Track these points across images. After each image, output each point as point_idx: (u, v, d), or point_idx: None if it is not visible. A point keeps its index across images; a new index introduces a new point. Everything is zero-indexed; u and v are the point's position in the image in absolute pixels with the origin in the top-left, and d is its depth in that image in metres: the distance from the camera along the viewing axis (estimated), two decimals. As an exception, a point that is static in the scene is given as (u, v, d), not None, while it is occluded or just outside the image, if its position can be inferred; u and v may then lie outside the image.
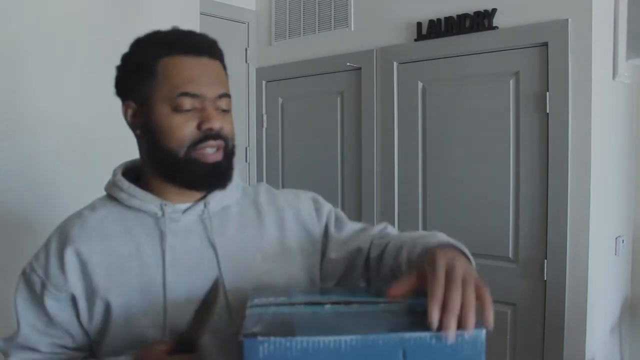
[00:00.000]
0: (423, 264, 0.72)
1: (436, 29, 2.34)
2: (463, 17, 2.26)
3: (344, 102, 2.70)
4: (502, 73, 2.19)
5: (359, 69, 2.61)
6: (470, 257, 0.79)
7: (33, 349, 0.90)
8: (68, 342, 0.91)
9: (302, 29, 2.82)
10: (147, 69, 0.88)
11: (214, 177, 0.90)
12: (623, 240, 2.28)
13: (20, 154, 1.83)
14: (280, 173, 2.91)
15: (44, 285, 0.88)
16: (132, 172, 0.97)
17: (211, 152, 0.88)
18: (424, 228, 2.42)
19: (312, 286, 0.98)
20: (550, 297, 2.08)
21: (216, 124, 0.87)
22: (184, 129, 0.86)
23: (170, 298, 0.87)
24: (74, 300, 0.88)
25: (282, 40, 2.90)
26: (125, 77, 0.93)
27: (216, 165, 0.89)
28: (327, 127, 2.75)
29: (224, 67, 0.94)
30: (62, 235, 0.91)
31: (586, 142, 1.99)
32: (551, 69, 2.05)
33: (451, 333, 0.62)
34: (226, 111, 0.91)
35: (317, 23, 2.76)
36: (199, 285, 0.87)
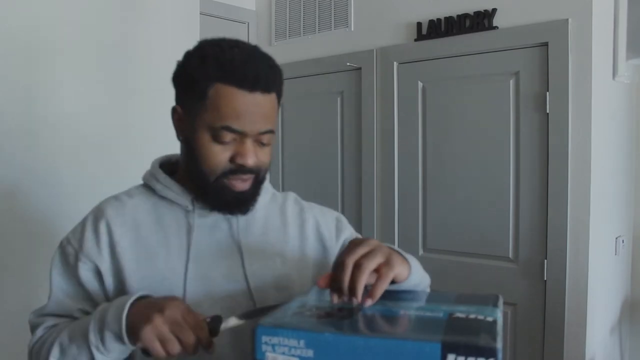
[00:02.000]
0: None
1: (436, 29, 2.34)
2: (463, 17, 2.26)
3: (344, 102, 2.69)
4: (502, 73, 2.19)
5: (359, 69, 2.61)
6: (405, 255, 0.83)
7: (64, 316, 0.94)
8: None
9: (302, 29, 2.82)
10: (199, 88, 0.87)
11: (236, 205, 0.93)
12: (623, 240, 2.28)
13: (28, 154, 1.84)
14: (281, 173, 2.92)
15: (77, 257, 0.93)
16: (169, 166, 1.01)
17: (239, 183, 0.91)
18: (424, 228, 2.42)
19: None
20: (550, 297, 2.08)
21: (250, 160, 0.88)
22: (219, 158, 0.88)
23: (190, 289, 0.91)
24: (100, 274, 0.93)
25: (282, 40, 2.90)
26: (180, 80, 0.92)
27: (242, 193, 0.92)
28: (327, 127, 2.75)
29: (279, 97, 0.93)
30: (99, 213, 0.96)
31: (586, 142, 1.99)
32: (551, 69, 2.05)
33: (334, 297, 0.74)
34: (266, 145, 0.92)
35: (317, 23, 2.76)
36: (219, 279, 0.93)
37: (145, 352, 0.79)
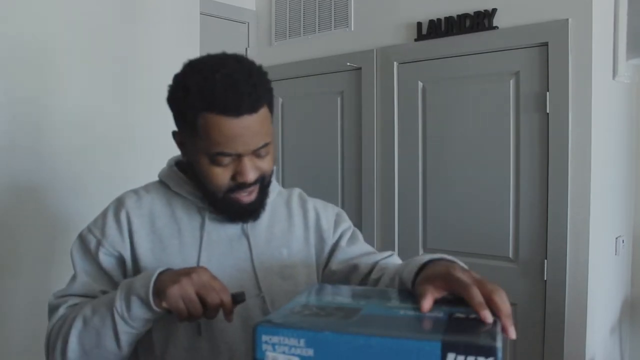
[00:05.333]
0: (437, 278, 0.73)
1: (436, 29, 2.34)
2: (463, 17, 2.26)
3: (344, 102, 2.70)
4: (502, 73, 2.19)
5: (359, 69, 2.61)
6: (464, 265, 0.81)
7: (87, 296, 0.97)
8: None
9: (302, 29, 2.82)
10: (189, 119, 0.90)
11: (247, 214, 0.99)
12: (623, 240, 2.28)
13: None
14: (281, 173, 2.92)
15: (99, 243, 0.98)
16: (183, 164, 1.06)
17: (245, 195, 0.96)
18: (424, 228, 2.42)
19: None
20: (550, 297, 2.08)
21: (250, 176, 0.92)
22: (220, 179, 0.93)
23: None
24: (124, 261, 0.98)
25: (282, 40, 2.90)
26: (172, 107, 0.94)
27: (249, 205, 0.97)
28: (327, 127, 2.75)
29: (270, 106, 0.95)
30: (119, 204, 1.02)
31: (586, 142, 1.99)
32: (551, 69, 2.05)
33: (512, 331, 0.64)
34: (265, 156, 0.94)
35: (317, 23, 2.76)
36: (228, 269, 0.99)
37: (170, 314, 0.84)
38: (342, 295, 0.78)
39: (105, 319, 0.86)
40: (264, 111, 0.92)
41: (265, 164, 0.95)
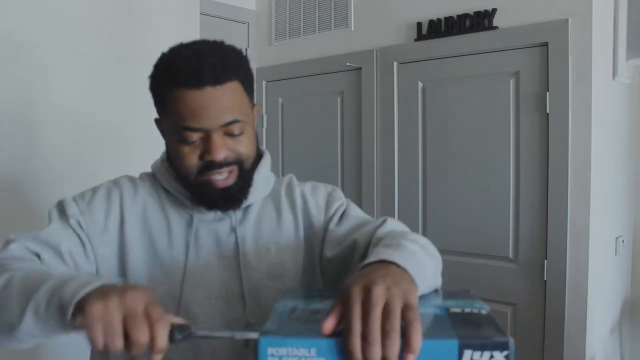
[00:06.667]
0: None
1: (436, 29, 2.34)
2: (463, 17, 2.26)
3: (344, 102, 2.69)
4: (502, 73, 2.19)
5: (359, 69, 2.61)
6: (412, 275, 0.70)
7: (51, 247, 0.88)
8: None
9: (302, 29, 2.82)
10: (160, 97, 0.91)
11: (224, 201, 0.93)
12: (623, 241, 2.28)
13: (28, 152, 1.84)
14: (280, 173, 2.91)
15: (80, 214, 0.92)
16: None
17: (220, 178, 0.90)
18: (424, 228, 2.42)
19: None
20: (550, 297, 2.08)
21: (218, 155, 0.87)
22: (189, 159, 0.89)
23: (188, 276, 0.94)
24: (84, 249, 0.91)
25: (282, 40, 2.90)
26: (151, 89, 0.95)
27: (225, 190, 0.91)
28: (327, 127, 2.75)
29: (245, 83, 0.91)
30: (115, 186, 0.98)
31: (586, 142, 1.99)
32: (551, 69, 2.05)
33: None
34: (238, 134, 0.90)
35: (317, 23, 2.76)
36: (215, 268, 0.95)
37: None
38: (328, 297, 0.71)
39: (21, 298, 0.72)
40: (233, 85, 0.88)
41: (240, 146, 0.90)
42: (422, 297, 0.73)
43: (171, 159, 0.95)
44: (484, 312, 0.67)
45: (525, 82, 2.13)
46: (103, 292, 0.65)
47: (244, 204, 0.97)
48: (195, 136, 0.87)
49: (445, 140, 2.35)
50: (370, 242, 0.91)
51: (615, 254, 2.24)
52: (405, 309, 0.61)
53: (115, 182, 1.00)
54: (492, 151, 2.22)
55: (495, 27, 2.18)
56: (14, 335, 0.72)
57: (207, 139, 0.87)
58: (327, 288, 1.00)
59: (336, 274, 0.98)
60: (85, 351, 0.97)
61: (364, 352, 0.58)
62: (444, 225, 2.36)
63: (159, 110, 0.94)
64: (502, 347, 0.58)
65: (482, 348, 0.58)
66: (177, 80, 0.86)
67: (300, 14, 2.81)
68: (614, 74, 2.13)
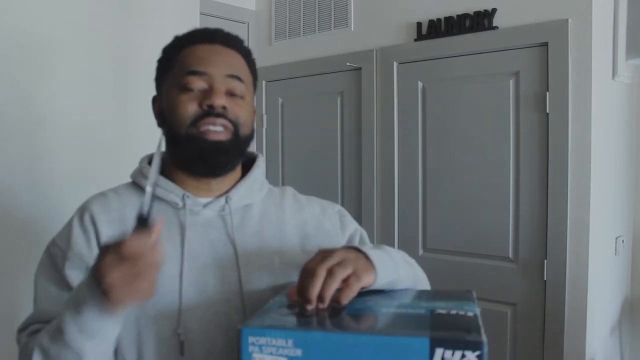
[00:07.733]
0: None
1: (436, 29, 2.34)
2: (463, 17, 2.26)
3: (344, 102, 2.70)
4: (502, 73, 2.19)
5: (359, 69, 2.61)
6: (376, 267, 0.78)
7: (47, 322, 0.86)
8: None
9: (302, 29, 2.82)
10: (171, 61, 0.93)
11: (211, 156, 0.88)
12: (623, 240, 2.28)
13: (26, 153, 1.84)
14: (280, 173, 2.91)
15: (65, 256, 0.88)
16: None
17: (213, 130, 0.87)
18: (424, 228, 2.42)
19: None
20: (550, 297, 2.08)
21: (218, 100, 0.87)
22: (187, 106, 0.88)
23: (185, 293, 0.86)
24: None
25: (282, 40, 2.90)
26: (158, 68, 0.97)
27: (216, 144, 0.87)
28: (327, 127, 2.75)
29: (248, 62, 0.96)
30: (84, 210, 0.92)
31: (586, 142, 2.00)
32: (551, 69, 2.05)
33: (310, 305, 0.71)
34: (239, 97, 0.91)
35: (317, 23, 2.76)
36: (213, 282, 0.88)
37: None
38: None
39: (62, 343, 0.74)
40: (241, 58, 0.95)
41: (238, 108, 0.90)
42: (413, 299, 0.76)
43: (165, 117, 0.91)
44: (470, 314, 0.67)
45: (525, 82, 2.13)
46: (99, 271, 0.68)
47: (244, 201, 0.94)
48: (198, 83, 0.88)
49: (445, 140, 2.35)
50: None
51: (615, 254, 2.24)
52: (352, 276, 0.73)
53: (84, 207, 0.93)
54: (492, 151, 2.22)
55: (495, 27, 2.18)
56: None
57: (209, 89, 0.88)
58: None
59: None
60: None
61: (307, 286, 0.71)
62: (443, 225, 2.37)
63: (164, 78, 0.94)
64: (474, 346, 0.58)
65: (453, 347, 0.58)
66: (192, 39, 0.92)
67: (300, 14, 2.82)
68: (614, 74, 2.13)
